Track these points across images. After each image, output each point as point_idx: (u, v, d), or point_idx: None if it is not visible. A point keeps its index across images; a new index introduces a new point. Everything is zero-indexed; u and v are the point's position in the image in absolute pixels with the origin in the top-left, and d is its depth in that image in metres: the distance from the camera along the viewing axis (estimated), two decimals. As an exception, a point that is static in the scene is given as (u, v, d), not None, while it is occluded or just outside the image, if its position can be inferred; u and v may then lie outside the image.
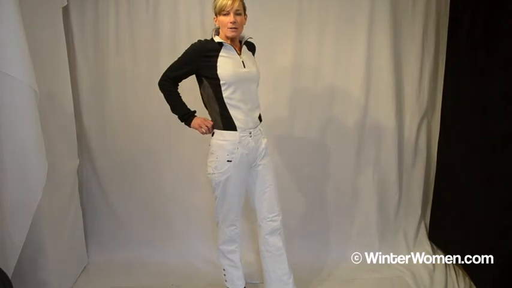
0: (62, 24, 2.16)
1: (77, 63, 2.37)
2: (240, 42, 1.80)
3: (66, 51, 2.21)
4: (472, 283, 2.14)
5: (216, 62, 1.70)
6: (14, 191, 1.72)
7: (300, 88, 2.45)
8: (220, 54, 1.71)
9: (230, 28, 1.68)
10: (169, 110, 1.80)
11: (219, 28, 1.75)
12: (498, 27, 1.88)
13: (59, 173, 2.06)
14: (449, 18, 2.33)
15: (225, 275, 1.99)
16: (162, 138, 2.45)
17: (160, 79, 1.78)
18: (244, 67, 1.74)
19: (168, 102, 1.79)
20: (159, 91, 1.79)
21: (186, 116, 1.79)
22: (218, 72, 1.69)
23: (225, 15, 1.68)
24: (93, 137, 2.47)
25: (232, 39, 1.73)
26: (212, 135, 1.81)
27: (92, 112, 2.44)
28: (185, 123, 1.81)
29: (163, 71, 1.78)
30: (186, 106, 1.81)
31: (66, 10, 2.25)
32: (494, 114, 1.93)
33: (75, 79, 2.37)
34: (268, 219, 1.87)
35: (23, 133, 1.69)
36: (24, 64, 1.64)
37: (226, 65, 1.70)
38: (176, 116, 1.81)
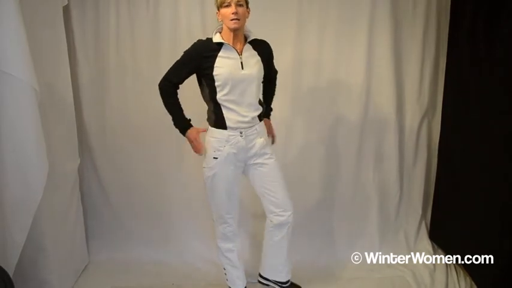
0: (63, 24, 2.16)
1: (77, 63, 2.36)
2: (246, 40, 1.77)
3: (66, 50, 2.21)
4: (473, 283, 2.13)
5: (213, 62, 1.69)
6: (15, 190, 1.72)
7: (301, 89, 2.44)
8: (219, 54, 1.70)
9: (232, 20, 1.65)
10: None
11: (220, 27, 1.74)
12: (499, 28, 1.88)
13: (59, 172, 2.06)
14: (450, 19, 2.32)
15: (225, 274, 2.00)
16: (162, 138, 2.44)
17: (161, 82, 1.77)
18: (243, 68, 1.72)
19: (168, 110, 1.78)
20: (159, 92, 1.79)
21: (184, 130, 1.80)
22: (214, 73, 1.68)
23: (226, 7, 1.66)
24: (93, 137, 2.47)
25: (235, 37, 1.71)
26: (206, 131, 1.84)
27: (92, 111, 2.44)
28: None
29: (164, 70, 1.77)
30: (186, 118, 1.81)
31: (66, 9, 2.24)
32: (495, 114, 1.93)
33: (76, 78, 2.36)
34: (274, 214, 1.89)
35: (23, 132, 1.69)
36: (25, 63, 1.63)
37: (224, 66, 1.69)
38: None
